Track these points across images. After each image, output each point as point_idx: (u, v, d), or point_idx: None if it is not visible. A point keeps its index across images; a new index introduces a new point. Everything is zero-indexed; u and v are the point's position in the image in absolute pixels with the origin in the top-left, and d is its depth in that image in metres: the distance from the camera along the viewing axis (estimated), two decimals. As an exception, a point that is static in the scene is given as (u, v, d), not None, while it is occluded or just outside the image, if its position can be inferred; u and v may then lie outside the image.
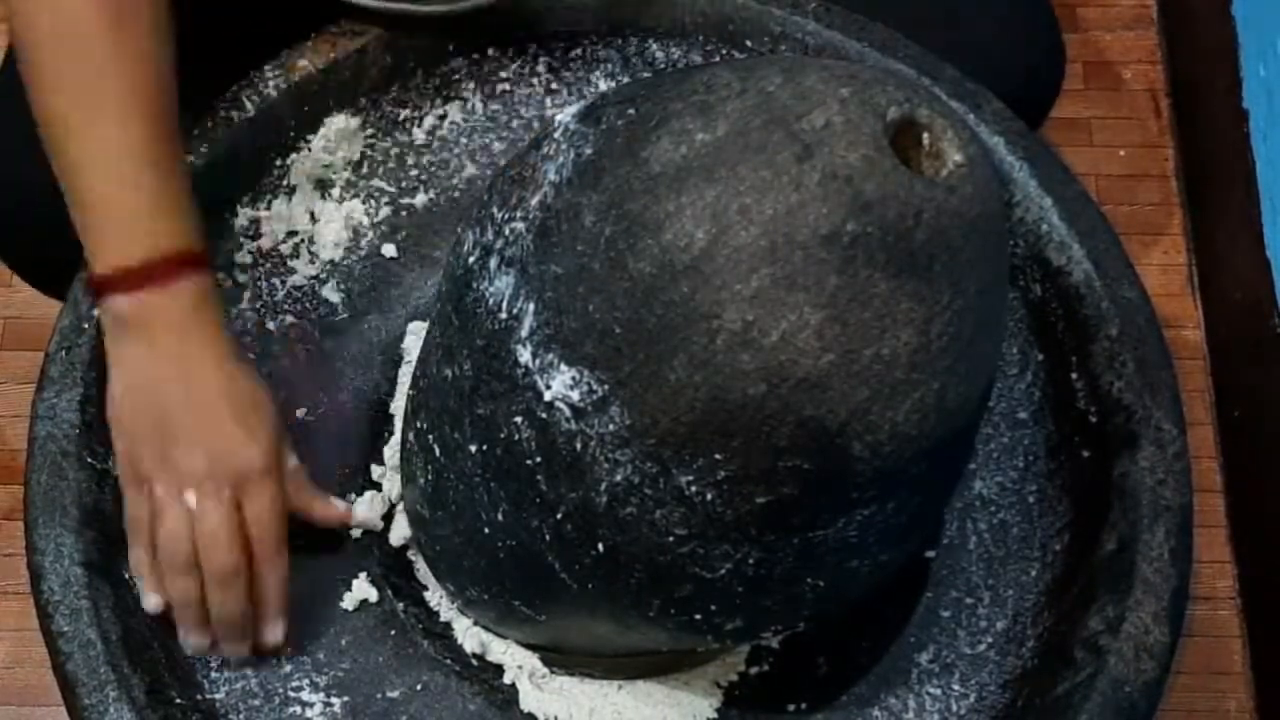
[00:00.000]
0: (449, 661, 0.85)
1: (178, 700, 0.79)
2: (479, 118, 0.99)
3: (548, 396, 0.65)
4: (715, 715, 0.85)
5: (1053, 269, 0.89)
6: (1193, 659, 1.24)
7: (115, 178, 0.77)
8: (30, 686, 1.22)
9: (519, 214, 0.67)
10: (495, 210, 0.69)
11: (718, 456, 0.63)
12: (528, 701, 0.85)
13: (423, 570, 0.88)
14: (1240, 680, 1.26)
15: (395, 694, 0.84)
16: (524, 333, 0.65)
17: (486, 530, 0.73)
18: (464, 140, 0.98)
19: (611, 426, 0.64)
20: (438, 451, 0.75)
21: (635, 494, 0.65)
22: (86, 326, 0.84)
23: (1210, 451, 1.35)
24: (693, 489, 0.64)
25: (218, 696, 0.82)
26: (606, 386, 0.63)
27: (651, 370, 0.62)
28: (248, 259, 0.92)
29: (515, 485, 0.69)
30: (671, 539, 0.66)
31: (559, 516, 0.68)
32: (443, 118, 0.98)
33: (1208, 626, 1.27)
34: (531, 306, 0.65)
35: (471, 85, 0.98)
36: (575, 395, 0.64)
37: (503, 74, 0.98)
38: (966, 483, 0.90)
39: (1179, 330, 1.39)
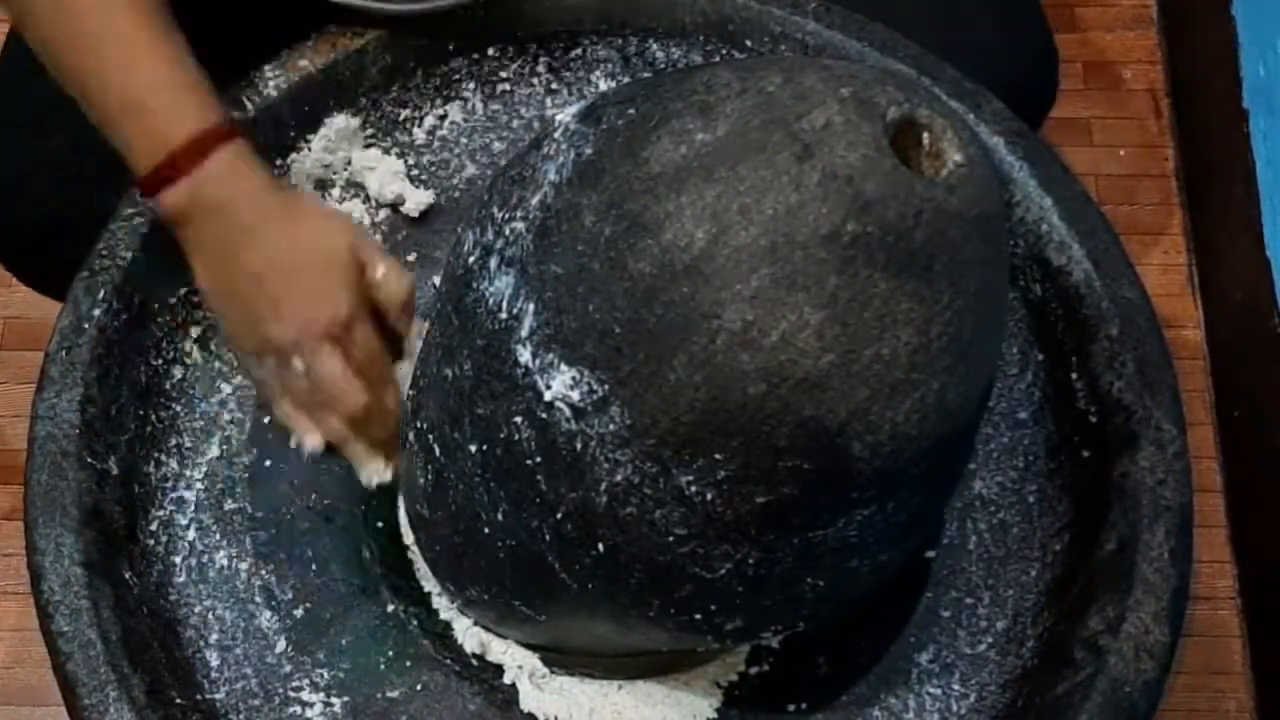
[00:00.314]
0: (449, 661, 0.85)
1: (178, 700, 0.79)
2: (479, 118, 0.99)
3: (548, 396, 0.65)
4: (715, 715, 0.85)
5: (1053, 269, 0.89)
6: (1193, 659, 1.24)
7: (137, 75, 0.80)
8: (30, 686, 1.22)
9: (519, 214, 0.67)
10: (495, 210, 0.69)
11: (718, 456, 0.63)
12: (528, 701, 0.85)
13: (423, 570, 0.88)
14: (1240, 680, 1.26)
15: (395, 694, 0.84)
16: (524, 333, 0.65)
17: (486, 530, 0.73)
18: (464, 140, 0.98)
19: (611, 426, 0.64)
20: (438, 451, 0.75)
21: (635, 494, 0.65)
22: (86, 326, 0.84)
23: (1210, 451, 1.35)
24: (693, 489, 0.64)
25: (218, 696, 0.82)
26: (606, 386, 0.63)
27: (651, 370, 0.62)
28: (248, 259, 0.92)
29: (515, 485, 0.69)
30: (671, 539, 0.66)
31: (559, 516, 0.68)
32: (443, 118, 0.98)
33: (1208, 626, 1.27)
34: (531, 306, 0.65)
35: (471, 85, 0.98)
36: (575, 395, 0.64)
37: (503, 74, 0.98)
38: (966, 483, 0.90)
39: (1179, 330, 1.39)
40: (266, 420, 0.90)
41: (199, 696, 0.81)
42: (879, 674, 0.86)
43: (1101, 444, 0.86)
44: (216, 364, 0.90)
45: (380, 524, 0.89)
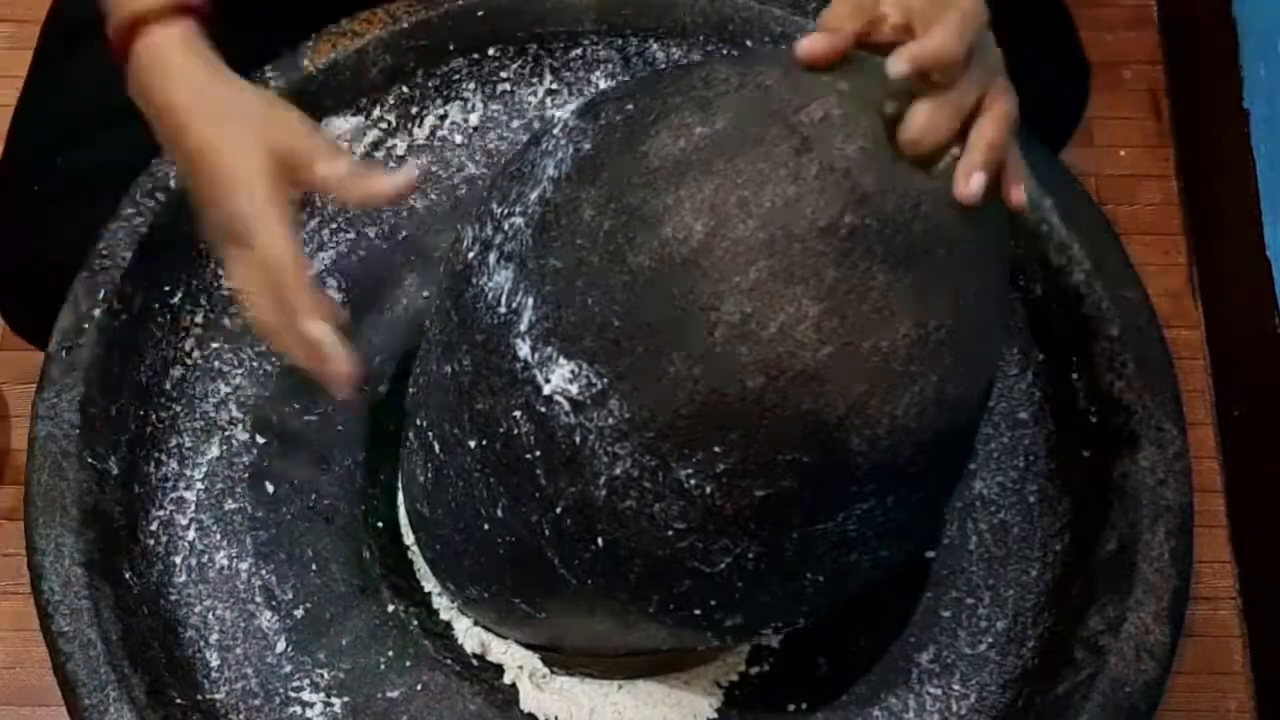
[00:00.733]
0: (449, 661, 0.85)
1: (178, 700, 0.79)
2: (479, 118, 0.99)
3: (547, 390, 0.65)
4: (715, 715, 0.85)
5: (1053, 269, 0.89)
6: (1193, 659, 1.24)
7: None
8: (30, 686, 1.22)
9: (518, 209, 0.67)
10: (495, 205, 0.69)
11: (716, 450, 0.63)
12: (528, 701, 0.85)
13: (423, 570, 0.88)
14: (1240, 680, 1.25)
15: (395, 694, 0.84)
16: (523, 327, 0.65)
17: (486, 527, 0.73)
18: (464, 140, 0.98)
19: (610, 420, 0.64)
20: (437, 448, 0.75)
21: (634, 488, 0.65)
22: (86, 327, 0.84)
23: (1210, 451, 1.35)
24: (692, 482, 0.64)
25: (218, 696, 0.82)
26: (605, 380, 0.63)
27: (650, 363, 0.62)
28: (248, 259, 0.92)
29: (514, 480, 0.69)
30: (671, 533, 0.66)
31: (558, 511, 0.68)
32: (443, 118, 0.98)
33: (1208, 626, 1.26)
34: (531, 301, 0.65)
35: (471, 85, 0.98)
36: (574, 389, 0.64)
37: (503, 74, 0.98)
38: (966, 483, 0.90)
39: (1179, 330, 1.39)
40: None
41: (199, 696, 0.81)
42: (879, 674, 0.86)
43: (1101, 444, 0.85)
44: (216, 364, 0.90)
45: (380, 524, 0.89)
